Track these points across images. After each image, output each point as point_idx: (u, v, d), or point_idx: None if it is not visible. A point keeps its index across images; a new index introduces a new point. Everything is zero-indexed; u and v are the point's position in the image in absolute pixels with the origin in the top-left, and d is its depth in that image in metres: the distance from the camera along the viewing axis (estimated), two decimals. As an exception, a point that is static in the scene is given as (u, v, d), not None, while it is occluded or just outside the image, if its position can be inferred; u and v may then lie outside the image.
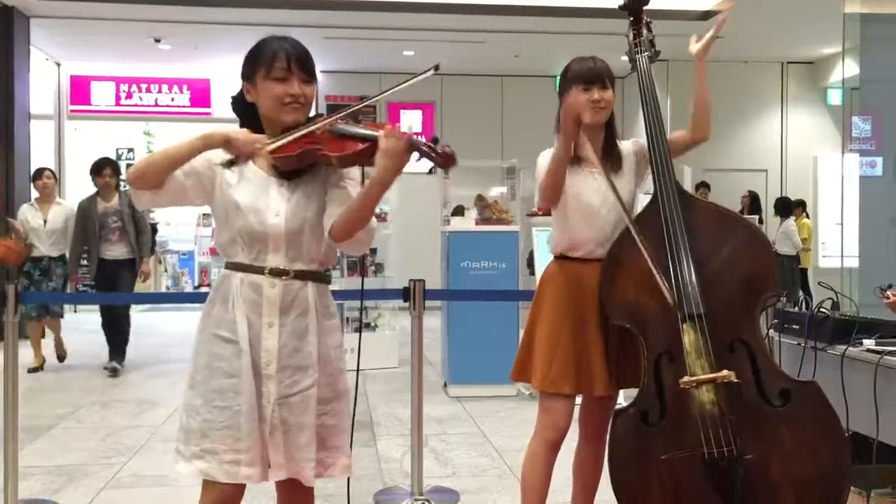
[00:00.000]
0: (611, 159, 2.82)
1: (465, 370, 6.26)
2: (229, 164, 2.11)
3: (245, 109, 2.20)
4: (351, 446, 2.26)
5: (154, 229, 10.61)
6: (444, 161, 1.98)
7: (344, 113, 2.16)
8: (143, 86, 13.12)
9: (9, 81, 9.62)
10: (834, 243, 11.04)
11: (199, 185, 2.13)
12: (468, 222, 6.60)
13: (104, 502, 3.89)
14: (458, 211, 7.22)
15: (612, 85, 2.81)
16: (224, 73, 12.73)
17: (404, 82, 2.17)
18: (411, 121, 13.23)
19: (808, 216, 11.46)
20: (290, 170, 2.14)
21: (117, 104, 13.09)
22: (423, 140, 2.02)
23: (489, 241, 6.32)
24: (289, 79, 2.12)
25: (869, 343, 2.91)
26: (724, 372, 2.47)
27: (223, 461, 2.06)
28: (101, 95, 13.01)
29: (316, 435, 2.13)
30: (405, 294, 3.86)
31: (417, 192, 11.53)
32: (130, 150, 14.26)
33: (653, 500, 2.54)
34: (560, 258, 2.86)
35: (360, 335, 2.71)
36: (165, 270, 14.03)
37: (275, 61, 2.11)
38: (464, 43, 10.76)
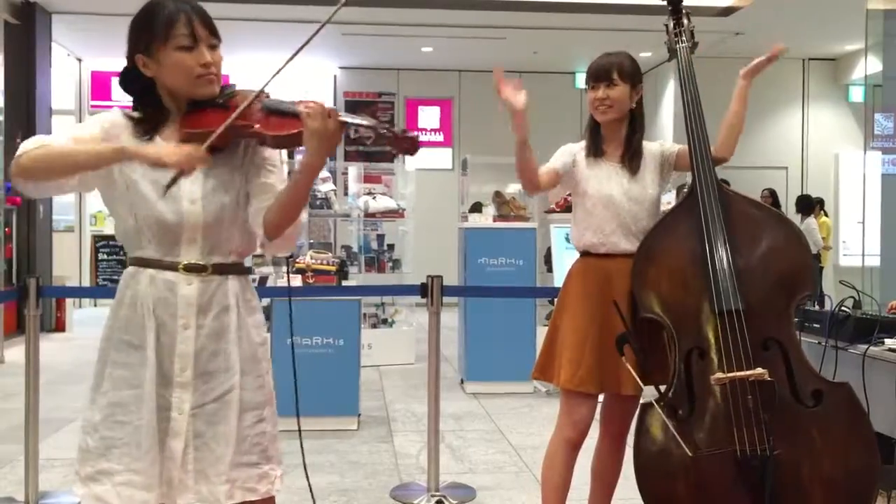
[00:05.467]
0: (631, 155, 2.79)
1: (481, 367, 6.26)
2: (168, 187, 1.77)
3: (140, 86, 1.91)
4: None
5: None
6: (410, 145, 1.80)
7: (263, 86, 1.86)
8: (163, 81, 13.18)
9: (31, 77, 9.70)
10: (855, 242, 10.93)
11: (97, 174, 1.85)
12: (486, 219, 6.60)
13: (123, 495, 3.91)
14: (476, 207, 7.21)
15: (631, 81, 2.76)
16: (242, 69, 12.75)
17: (318, 29, 1.81)
18: (429, 117, 13.23)
19: (826, 214, 11.36)
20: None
21: (137, 100, 13.16)
22: (367, 121, 1.82)
23: (506, 238, 6.31)
24: (196, 46, 1.83)
25: (891, 342, 2.89)
26: (758, 370, 2.44)
27: (118, 483, 1.83)
28: (122, 91, 13.07)
29: (257, 445, 1.90)
30: (422, 290, 3.86)
31: (435, 189, 11.54)
32: (150, 145, 14.36)
33: (679, 496, 2.52)
34: (585, 255, 2.84)
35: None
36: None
37: (178, 27, 1.82)
38: (482, 39, 10.74)
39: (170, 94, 1.90)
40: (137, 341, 1.86)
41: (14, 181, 1.80)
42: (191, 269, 1.86)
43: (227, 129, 1.79)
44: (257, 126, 1.84)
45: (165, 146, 1.79)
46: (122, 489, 1.83)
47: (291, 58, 1.78)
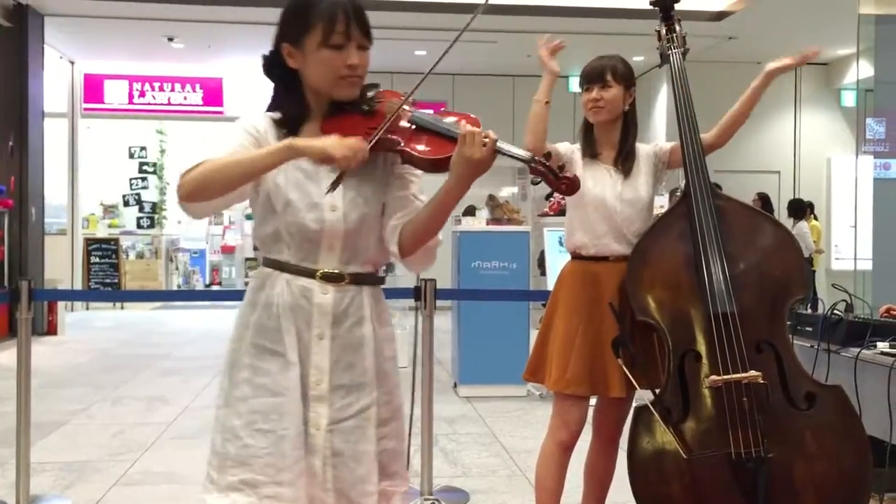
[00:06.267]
0: (624, 157, 2.80)
1: (475, 370, 6.25)
2: (334, 186, 1.71)
3: (283, 74, 1.81)
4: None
5: None
6: (568, 186, 1.70)
7: (412, 91, 1.79)
8: (156, 84, 13.16)
9: (23, 79, 9.67)
10: (847, 246, 10.96)
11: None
12: (479, 222, 6.60)
13: (115, 498, 3.90)
14: (469, 211, 7.22)
15: (624, 83, 2.78)
16: (237, 72, 12.76)
17: (460, 33, 1.81)
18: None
19: (815, 218, 11.40)
20: None
21: (130, 103, 13.15)
22: (529, 155, 1.71)
23: (500, 242, 6.31)
24: (346, 46, 1.74)
25: (883, 346, 2.89)
26: (752, 372, 2.45)
27: (263, 496, 1.73)
28: (115, 94, 13.06)
29: (378, 463, 1.81)
30: (416, 293, 3.85)
31: (429, 192, 11.52)
32: (143, 148, 14.34)
33: (673, 498, 2.52)
34: (576, 258, 2.85)
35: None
36: (177, 268, 14.09)
37: (334, 24, 1.71)
38: (476, 43, 10.74)
39: (312, 90, 1.80)
40: (276, 347, 1.77)
41: (182, 207, 1.71)
42: (328, 277, 1.79)
43: (375, 143, 1.71)
44: (404, 144, 1.75)
45: (330, 138, 1.67)
46: (267, 502, 1.73)
47: (435, 64, 1.76)
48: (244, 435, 1.75)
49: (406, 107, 1.79)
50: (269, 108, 1.86)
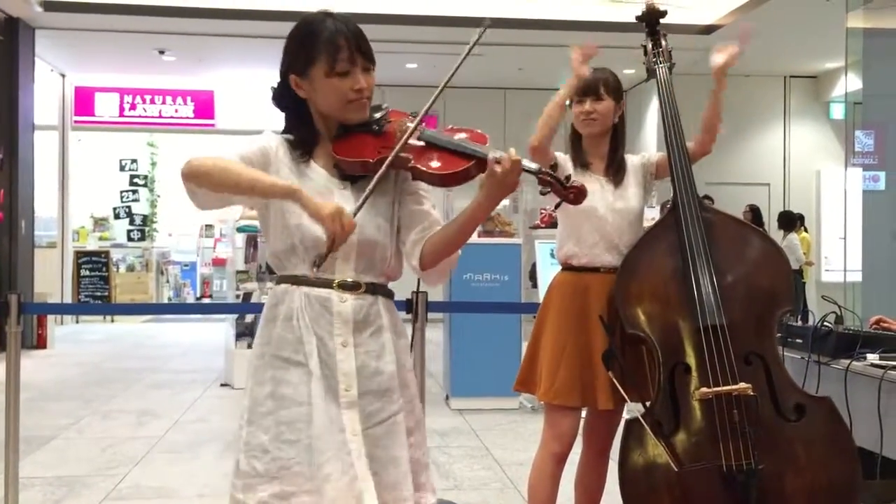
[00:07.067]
0: (615, 168, 2.83)
1: (466, 383, 6.24)
2: (319, 263, 1.74)
3: (292, 104, 1.87)
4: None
5: None
6: (576, 195, 1.75)
7: (422, 112, 1.85)
8: (147, 97, 13.15)
9: (13, 92, 9.66)
10: (837, 257, 11.01)
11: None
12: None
13: (104, 514, 3.88)
14: (461, 223, 7.21)
15: (615, 96, 2.80)
16: (228, 85, 12.77)
17: (466, 54, 1.91)
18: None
19: (805, 230, 11.45)
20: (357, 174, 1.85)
21: (121, 115, 13.12)
22: (538, 166, 1.76)
23: (491, 254, 6.31)
24: (352, 71, 1.79)
25: (873, 357, 2.90)
26: (742, 384, 2.46)
27: None
28: (105, 106, 13.04)
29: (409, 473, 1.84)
30: (408, 306, 3.85)
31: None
32: (134, 160, 14.32)
33: None
34: (566, 268, 2.86)
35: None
36: (168, 281, 14.04)
37: (338, 53, 1.77)
38: (468, 55, 10.80)
39: (321, 115, 1.87)
40: (297, 357, 1.80)
41: (184, 183, 1.76)
42: (345, 286, 1.83)
43: (379, 160, 1.76)
44: (415, 161, 1.80)
45: (330, 206, 1.71)
46: None
47: (445, 84, 1.84)
48: (272, 448, 1.76)
49: (410, 124, 1.83)
50: (284, 131, 1.92)
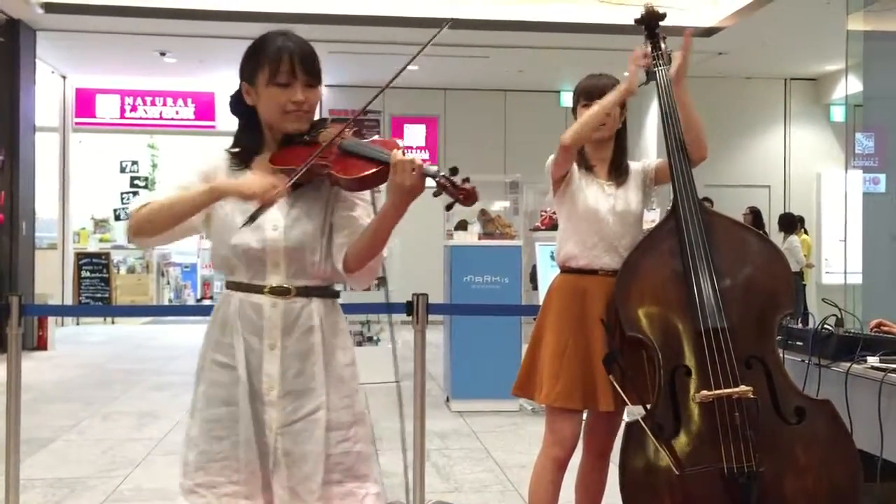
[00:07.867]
0: (617, 172, 2.85)
1: (467, 385, 6.24)
2: (252, 219, 1.85)
3: (245, 110, 2.02)
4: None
5: None
6: (466, 197, 1.82)
7: (349, 121, 1.99)
8: (148, 99, 13.16)
9: (14, 94, 9.67)
10: (837, 260, 11.02)
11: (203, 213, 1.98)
12: (471, 237, 6.61)
13: (104, 515, 3.88)
14: (462, 225, 7.22)
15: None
16: (228, 87, 12.70)
17: (412, 58, 2.01)
18: (415, 135, 13.26)
19: (806, 232, 11.46)
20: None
21: (122, 117, 13.13)
22: (437, 169, 1.85)
23: (492, 256, 6.32)
24: (292, 84, 1.93)
25: (873, 360, 2.90)
26: (742, 387, 2.45)
27: (221, 494, 1.94)
28: (106, 108, 13.05)
29: (339, 464, 1.97)
30: (408, 308, 3.85)
31: (420, 206, 11.51)
32: (135, 162, 14.32)
33: None
34: (566, 271, 2.86)
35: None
36: (168, 283, 14.04)
37: (279, 65, 1.92)
38: (468, 58, 10.79)
39: (266, 123, 2.00)
40: (228, 361, 1.96)
41: (133, 242, 1.98)
42: (276, 291, 1.95)
43: (307, 169, 1.88)
44: (331, 167, 1.91)
45: (250, 177, 1.87)
46: (226, 500, 1.94)
47: (383, 89, 1.96)
48: (201, 442, 1.96)
49: (347, 133, 1.96)
50: (232, 144, 2.06)
